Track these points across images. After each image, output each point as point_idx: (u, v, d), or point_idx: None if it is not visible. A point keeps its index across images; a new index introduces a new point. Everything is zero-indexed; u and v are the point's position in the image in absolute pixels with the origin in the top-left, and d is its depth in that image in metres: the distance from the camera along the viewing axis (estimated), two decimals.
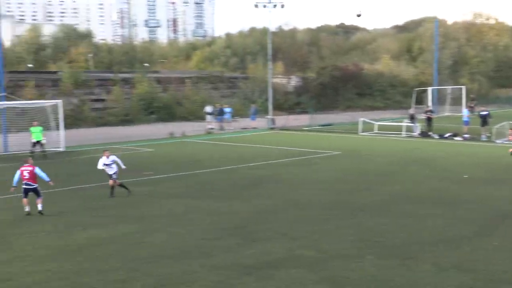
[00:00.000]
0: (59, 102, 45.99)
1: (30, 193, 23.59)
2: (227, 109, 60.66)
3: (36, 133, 38.78)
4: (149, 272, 16.72)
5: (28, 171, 23.50)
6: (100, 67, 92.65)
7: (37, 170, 23.65)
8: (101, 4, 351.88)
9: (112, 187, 26.92)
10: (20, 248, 19.06)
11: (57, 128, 44.36)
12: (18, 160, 37.42)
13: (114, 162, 27.14)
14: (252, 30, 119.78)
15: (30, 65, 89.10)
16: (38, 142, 39.00)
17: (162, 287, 15.60)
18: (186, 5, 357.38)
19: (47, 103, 47.63)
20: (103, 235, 20.59)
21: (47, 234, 20.78)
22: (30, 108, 48.37)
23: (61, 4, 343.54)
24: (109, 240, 19.92)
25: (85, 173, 33.19)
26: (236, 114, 69.10)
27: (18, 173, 23.74)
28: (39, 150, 39.32)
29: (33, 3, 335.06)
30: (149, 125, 62.00)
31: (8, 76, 60.51)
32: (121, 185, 27.13)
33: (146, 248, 19.02)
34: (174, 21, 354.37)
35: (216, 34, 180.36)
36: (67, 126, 51.64)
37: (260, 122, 61.07)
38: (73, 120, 59.04)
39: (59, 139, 43.54)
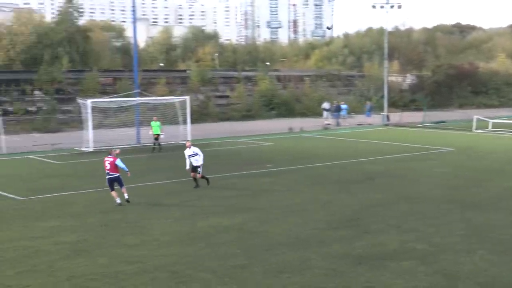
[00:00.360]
0: (187, 98, 47.03)
1: (116, 184, 23.83)
2: (344, 106, 60.26)
3: (155, 127, 39.81)
4: (266, 259, 16.86)
5: (109, 162, 23.83)
6: (225, 66, 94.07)
7: (118, 162, 23.71)
8: (227, 7, 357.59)
9: (195, 179, 26.97)
10: (149, 233, 19.66)
11: (184, 122, 45.44)
12: (148, 151, 38.72)
13: (197, 154, 26.89)
14: (369, 30, 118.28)
15: (161, 64, 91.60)
16: (157, 135, 40.04)
17: (278, 273, 15.69)
18: (306, 7, 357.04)
19: (176, 99, 48.84)
20: (224, 223, 20.93)
21: (174, 221, 21.32)
22: (160, 103, 49.81)
23: (190, 7, 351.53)
24: (230, 228, 20.22)
25: (209, 164, 33.78)
26: (352, 110, 68.56)
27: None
28: (157, 143, 40.18)
29: (166, 7, 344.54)
30: (269, 121, 62.46)
31: (142, 74, 62.59)
32: (203, 177, 27.07)
33: (264, 236, 19.18)
34: (295, 22, 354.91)
35: (335, 34, 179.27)
36: (194, 120, 52.80)
37: (375, 119, 60.31)
38: (199, 115, 60.27)
39: (186, 132, 44.55)
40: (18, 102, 56.23)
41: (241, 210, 22.86)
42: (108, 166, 23.75)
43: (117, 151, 24.67)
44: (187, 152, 26.93)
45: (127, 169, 23.89)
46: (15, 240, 18.87)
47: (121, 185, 23.83)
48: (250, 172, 31.47)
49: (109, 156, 24.04)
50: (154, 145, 39.92)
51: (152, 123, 39.85)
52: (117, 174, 23.73)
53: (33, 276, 15.61)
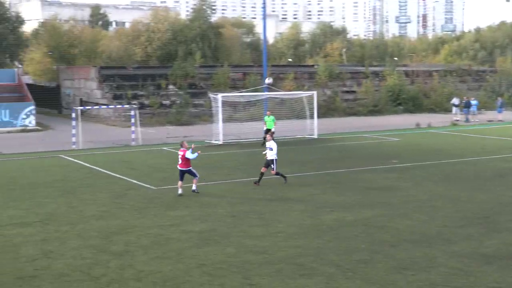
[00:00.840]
0: (314, 93, 47.00)
1: (186, 175, 24.34)
2: (474, 102, 58.23)
3: (269, 122, 39.22)
4: (391, 255, 16.56)
5: (180, 155, 24.18)
6: (352, 61, 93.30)
7: (187, 154, 23.93)
8: (355, 2, 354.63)
9: (262, 174, 25.99)
10: (274, 225, 19.80)
11: (311, 117, 45.43)
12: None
13: (271, 149, 26.11)
14: (502, 24, 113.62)
15: (290, 60, 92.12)
16: (269, 130, 39.06)
17: (403, 270, 15.37)
18: (436, 1, 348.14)
19: (303, 94, 48.93)
20: (349, 217, 20.75)
21: (299, 213, 21.36)
22: (288, 98, 50.07)
23: (319, 3, 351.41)
24: (355, 223, 20.02)
25: (335, 158, 33.66)
26: (482, 106, 66.11)
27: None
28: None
29: (295, 3, 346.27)
30: (396, 116, 61.37)
31: (270, 69, 63.15)
32: (277, 174, 26.15)
33: (389, 232, 18.86)
34: (424, 17, 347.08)
35: (466, 29, 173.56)
36: (320, 115, 52.76)
37: (507, 115, 57.88)
38: (326, 110, 60.11)
39: (313, 127, 44.55)
40: (153, 96, 58.26)
41: (367, 205, 22.58)
42: (179, 160, 24.24)
43: (191, 145, 24.90)
44: (268, 144, 26.66)
45: (194, 157, 24.10)
46: (148, 228, 19.54)
47: (194, 176, 24.40)
48: (377, 167, 31.02)
49: (181, 148, 24.38)
50: (264, 139, 39.39)
51: (266, 117, 39.56)
52: (188, 168, 24.18)
53: (164, 262, 16.10)
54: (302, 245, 17.56)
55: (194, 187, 24.51)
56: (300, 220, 20.45)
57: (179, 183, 24.38)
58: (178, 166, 24.47)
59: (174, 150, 37.61)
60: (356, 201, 23.26)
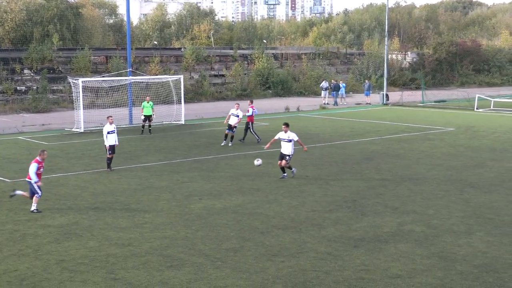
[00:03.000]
0: (181, 77, 46.87)
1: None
2: (342, 85, 60.11)
3: (147, 108, 38.71)
4: (260, 242, 16.86)
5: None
6: (220, 44, 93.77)
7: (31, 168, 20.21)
8: None
9: (282, 168, 25.02)
10: (141, 216, 19.64)
11: (179, 102, 45.30)
12: (140, 132, 38.61)
13: (290, 140, 24.77)
14: (369, 6, 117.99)
15: (155, 42, 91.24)
16: (148, 117, 38.70)
17: (273, 256, 15.69)
18: None
19: (170, 78, 48.68)
20: (218, 205, 20.91)
21: (166, 202, 21.30)
22: (154, 82, 49.66)
23: None
24: (224, 210, 20.21)
25: (204, 145, 33.77)
26: (351, 89, 68.44)
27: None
28: (147, 124, 38.90)
29: None
30: (265, 100, 62.30)
31: (135, 52, 62.33)
32: (289, 167, 25.20)
33: (259, 219, 19.18)
34: None
35: (334, 11, 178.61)
36: (188, 100, 52.80)
37: (374, 98, 60.19)
38: (194, 95, 60.14)
39: (180, 112, 44.44)
40: (7, 82, 55.89)
41: (236, 192, 22.83)
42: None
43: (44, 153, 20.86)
44: (282, 135, 25.00)
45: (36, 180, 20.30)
46: (2, 224, 18.83)
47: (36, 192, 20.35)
48: (246, 153, 31.41)
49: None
50: (143, 127, 38.99)
51: (144, 103, 38.91)
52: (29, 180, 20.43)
53: (20, 260, 15.59)
54: (170, 235, 17.54)
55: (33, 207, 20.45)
56: (167, 209, 20.39)
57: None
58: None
59: (30, 140, 36.41)
60: (225, 188, 23.46)
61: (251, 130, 34.47)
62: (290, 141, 24.68)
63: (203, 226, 18.45)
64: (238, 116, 33.54)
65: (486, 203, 20.95)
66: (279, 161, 24.98)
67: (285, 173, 25.04)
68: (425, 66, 79.38)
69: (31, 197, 20.40)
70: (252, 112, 34.89)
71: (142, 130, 38.67)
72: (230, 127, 33.40)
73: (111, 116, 28.02)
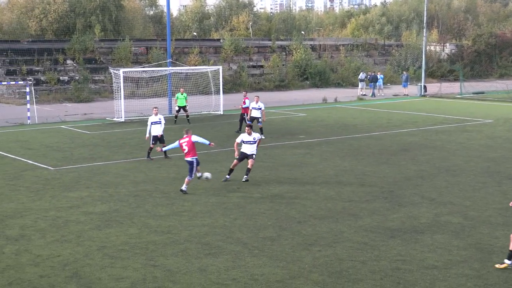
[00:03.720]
0: (219, 68, 47.00)
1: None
2: (380, 76, 59.68)
3: (181, 99, 38.82)
4: (297, 231, 16.90)
5: (186, 143, 21.31)
6: (259, 35, 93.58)
7: (194, 138, 21.43)
8: None
9: (231, 170, 23.17)
10: (180, 204, 19.80)
11: (217, 92, 45.44)
12: (180, 122, 38.85)
13: (256, 140, 23.28)
14: None
15: (194, 34, 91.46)
16: (182, 107, 38.79)
17: (309, 246, 15.72)
18: None
19: (209, 68, 48.86)
20: (256, 194, 20.99)
21: (205, 191, 21.43)
22: (193, 73, 49.92)
23: None
24: (262, 200, 20.28)
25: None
26: (389, 81, 67.91)
27: (176, 144, 21.87)
28: (184, 114, 39.01)
29: None
30: (303, 91, 62.18)
31: (174, 43, 62.62)
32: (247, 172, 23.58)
33: (296, 208, 19.22)
34: None
35: (372, 3, 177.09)
36: (226, 90, 52.90)
37: (412, 89, 59.68)
38: (232, 85, 60.23)
39: (219, 102, 44.58)
40: (50, 72, 56.67)
41: (274, 181, 22.88)
42: (186, 149, 21.25)
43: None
44: (246, 137, 23.04)
45: (207, 142, 21.85)
46: (45, 211, 19.15)
47: (197, 164, 21.36)
48: (284, 143, 31.44)
49: (184, 136, 21.58)
50: (176, 117, 39.09)
51: (178, 95, 39.07)
52: (195, 158, 21.21)
53: (62, 246, 15.85)
54: (208, 223, 17.67)
55: (198, 175, 21.82)
56: (206, 198, 20.52)
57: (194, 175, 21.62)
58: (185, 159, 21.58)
59: (72, 129, 36.90)
60: (263, 177, 23.52)
61: (246, 120, 33.85)
62: (255, 142, 23.16)
63: (241, 214, 18.55)
64: (260, 109, 33.20)
65: None
66: (236, 162, 22.87)
67: (229, 176, 23.07)
68: (464, 58, 78.35)
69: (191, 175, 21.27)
70: (249, 104, 34.29)
71: (175, 120, 38.82)
72: (252, 120, 32.85)
73: (156, 108, 28.38)
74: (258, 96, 34.22)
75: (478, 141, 31.63)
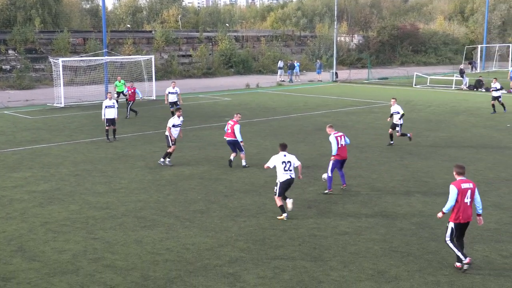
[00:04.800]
0: (152, 57, 46.37)
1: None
2: (297, 64, 60.06)
3: (120, 86, 38.24)
4: (225, 204, 16.91)
5: (230, 126, 21.27)
6: (187, 27, 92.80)
7: (237, 129, 21.18)
8: None
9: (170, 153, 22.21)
10: (117, 182, 19.51)
11: (150, 79, 44.85)
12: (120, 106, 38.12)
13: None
14: None
15: (128, 26, 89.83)
16: (121, 93, 38.21)
17: (235, 217, 15.76)
18: None
19: (142, 58, 48.14)
20: (187, 172, 20.87)
21: (140, 169, 21.19)
22: (127, 62, 49.07)
23: None
24: (192, 177, 20.19)
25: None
26: (304, 68, 68.50)
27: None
28: (123, 99, 38.37)
29: None
30: (228, 77, 62.03)
31: (110, 35, 61.35)
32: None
33: (223, 184, 19.21)
34: None
35: None
36: (158, 78, 52.27)
37: (325, 76, 60.36)
38: (164, 73, 59.53)
39: (152, 89, 44.04)
40: None
41: (203, 160, 22.81)
42: (229, 130, 21.31)
43: (239, 115, 21.91)
44: (176, 121, 22.18)
45: (241, 139, 21.35)
46: None
47: (240, 149, 21.46)
48: (211, 125, 31.34)
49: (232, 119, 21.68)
50: (117, 101, 38.19)
51: (117, 82, 38.40)
52: (235, 139, 21.24)
53: (7, 222, 15.41)
54: (144, 199, 17.48)
55: (243, 163, 21.52)
56: (141, 176, 20.29)
57: (232, 155, 21.52)
58: (225, 136, 21.67)
59: (15, 114, 35.79)
60: (193, 156, 23.41)
61: (129, 107, 34.17)
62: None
63: (173, 190, 18.43)
64: (177, 93, 33.34)
65: (423, 168, 21.27)
66: (174, 147, 21.98)
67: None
68: (370, 48, 79.71)
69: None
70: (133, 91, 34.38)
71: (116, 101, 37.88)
72: (172, 104, 33.16)
73: (110, 93, 28.31)
74: (174, 82, 34.15)
75: (383, 121, 32.20)
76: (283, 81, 57.38)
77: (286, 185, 15.79)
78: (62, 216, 15.91)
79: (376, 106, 38.68)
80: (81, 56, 48.11)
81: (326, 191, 18.00)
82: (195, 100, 42.68)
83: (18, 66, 54.20)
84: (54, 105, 39.67)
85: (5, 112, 36.78)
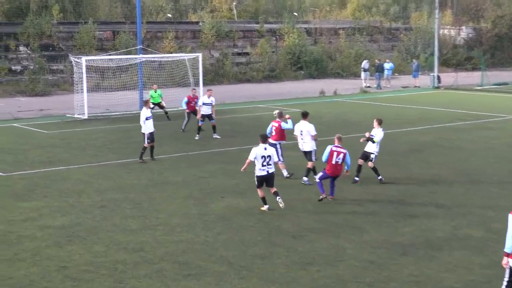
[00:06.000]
0: (199, 55, 46.86)
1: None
2: (386, 65, 59.74)
3: (155, 98, 38.59)
4: (292, 248, 16.81)
5: (275, 127, 24.38)
6: (244, 17, 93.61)
7: (283, 125, 24.44)
8: None
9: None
10: (154, 216, 19.65)
11: (196, 84, 45.28)
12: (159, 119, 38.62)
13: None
14: None
15: (169, 15, 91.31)
16: (157, 104, 38.52)
17: (307, 265, 15.65)
18: None
19: (186, 56, 48.71)
20: (243, 204, 20.88)
21: (183, 201, 21.31)
22: (168, 61, 49.70)
23: None
24: (250, 211, 20.17)
25: (226, 134, 33.71)
26: (396, 70, 68.07)
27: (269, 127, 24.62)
28: (160, 111, 38.90)
29: None
30: (296, 82, 62.22)
31: (145, 27, 62.44)
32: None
33: (290, 220, 19.13)
34: None
35: None
36: (207, 82, 52.71)
37: (424, 80, 59.85)
38: (214, 76, 60.15)
39: (199, 96, 44.35)
40: (0, 60, 56.32)
41: (265, 189, 22.74)
42: (273, 133, 24.18)
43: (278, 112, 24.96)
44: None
45: (292, 127, 24.31)
46: None
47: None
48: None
49: (276, 119, 24.58)
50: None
51: (152, 92, 38.94)
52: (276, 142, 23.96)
53: (15, 266, 15.68)
54: (187, 239, 17.54)
55: (285, 173, 24.29)
56: (184, 209, 20.40)
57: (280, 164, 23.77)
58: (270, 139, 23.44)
59: (26, 127, 36.66)
60: (251, 185, 23.35)
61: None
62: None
63: (225, 228, 18.43)
64: (211, 104, 32.86)
65: None
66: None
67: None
68: (483, 43, 78.75)
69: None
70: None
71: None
72: (204, 118, 32.84)
73: (148, 100, 28.99)
74: (211, 90, 34.04)
75: (502, 140, 31.70)
76: (368, 87, 57.15)
77: (263, 179, 19.90)
78: (84, 259, 16.10)
79: (492, 121, 38.11)
80: (110, 54, 49.05)
81: (321, 197, 20.95)
82: (252, 112, 42.89)
83: (31, 67, 55.64)
84: (75, 116, 40.50)
85: (14, 124, 37.74)
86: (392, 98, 50.69)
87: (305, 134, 23.63)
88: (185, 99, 34.60)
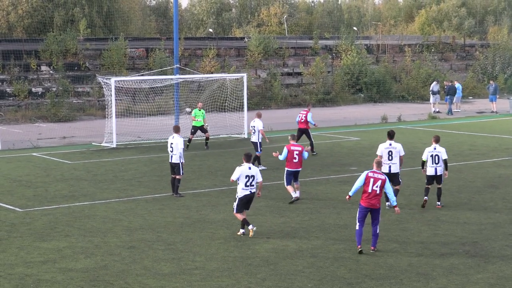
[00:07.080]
0: (244, 76, 46.97)
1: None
2: (459, 87, 59.40)
3: (198, 116, 38.63)
4: None
5: (297, 152, 26.08)
6: (296, 32, 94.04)
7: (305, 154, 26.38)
8: None
9: None
10: (189, 259, 19.72)
11: (240, 109, 45.38)
12: (197, 148, 38.85)
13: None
14: None
15: (210, 30, 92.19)
16: (199, 128, 38.79)
17: None
18: None
19: (229, 77, 48.91)
20: (292, 246, 20.85)
21: (223, 242, 21.35)
22: (208, 82, 49.90)
23: None
24: (300, 254, 20.14)
25: (273, 166, 33.75)
26: (471, 93, 67.60)
27: (285, 151, 26.26)
28: (202, 137, 39.18)
29: None
30: (355, 106, 62.13)
31: (183, 43, 62.98)
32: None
33: (346, 265, 19.06)
34: None
35: None
36: (252, 106, 52.92)
37: (502, 105, 59.35)
38: (260, 99, 60.28)
39: (243, 122, 44.53)
40: (19, 81, 56.85)
41: (314, 229, 22.75)
42: (296, 158, 26.11)
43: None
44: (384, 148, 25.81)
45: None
46: (10, 267, 19.15)
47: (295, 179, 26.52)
48: (329, 177, 31.32)
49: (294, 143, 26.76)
50: (189, 141, 38.64)
51: (196, 111, 39.13)
52: (299, 169, 26.35)
53: None
54: (227, 285, 17.57)
55: (297, 194, 26.42)
56: (224, 251, 20.43)
57: (289, 187, 26.08)
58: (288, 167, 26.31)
59: (47, 157, 37.07)
60: (302, 223, 23.40)
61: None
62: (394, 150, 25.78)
63: (271, 274, 18.43)
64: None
65: None
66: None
67: None
68: None
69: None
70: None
71: (188, 144, 38.26)
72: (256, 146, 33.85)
73: (178, 126, 29.68)
74: (260, 112, 35.91)
75: None
76: (438, 112, 56.86)
77: (245, 201, 21.77)
78: None
79: None
80: (142, 74, 49.50)
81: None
82: (302, 141, 42.82)
83: (54, 89, 56.30)
84: (103, 144, 40.84)
85: (34, 154, 38.18)
86: (466, 125, 50.33)
87: (394, 155, 25.14)
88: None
